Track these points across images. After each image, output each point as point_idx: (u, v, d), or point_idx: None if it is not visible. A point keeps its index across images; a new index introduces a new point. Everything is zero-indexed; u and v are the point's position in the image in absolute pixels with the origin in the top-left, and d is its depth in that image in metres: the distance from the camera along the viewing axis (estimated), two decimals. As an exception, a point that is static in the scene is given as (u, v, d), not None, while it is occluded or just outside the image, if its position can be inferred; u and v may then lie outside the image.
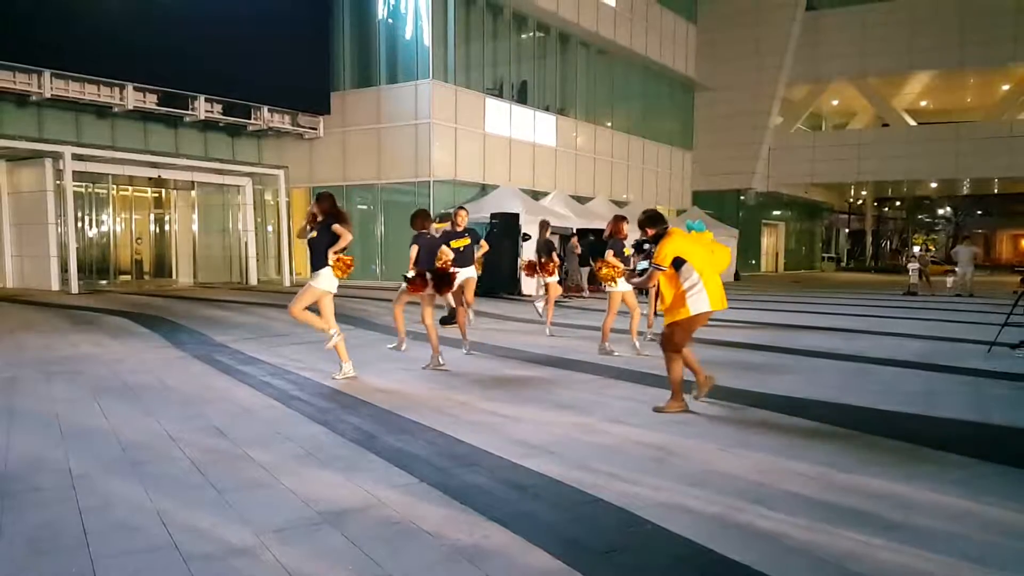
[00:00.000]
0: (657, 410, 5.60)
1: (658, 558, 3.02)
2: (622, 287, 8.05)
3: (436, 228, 9.94)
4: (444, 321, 10.58)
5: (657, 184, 31.70)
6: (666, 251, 5.55)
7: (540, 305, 11.17)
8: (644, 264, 5.88)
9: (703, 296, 5.52)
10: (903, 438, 4.88)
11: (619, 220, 8.50)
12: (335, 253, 6.59)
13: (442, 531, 3.23)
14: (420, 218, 7.84)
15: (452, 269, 7.77)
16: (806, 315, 14.04)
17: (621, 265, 7.80)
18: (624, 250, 8.27)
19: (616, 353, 8.40)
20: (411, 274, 7.44)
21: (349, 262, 6.72)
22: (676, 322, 5.59)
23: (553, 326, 10.60)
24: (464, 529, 3.26)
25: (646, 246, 5.84)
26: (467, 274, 8.89)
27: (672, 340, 5.62)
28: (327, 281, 6.67)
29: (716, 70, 34.29)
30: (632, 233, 7.81)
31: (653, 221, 5.80)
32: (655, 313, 10.06)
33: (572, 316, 13.22)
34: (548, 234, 11.87)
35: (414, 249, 7.61)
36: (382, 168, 21.82)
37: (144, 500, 3.58)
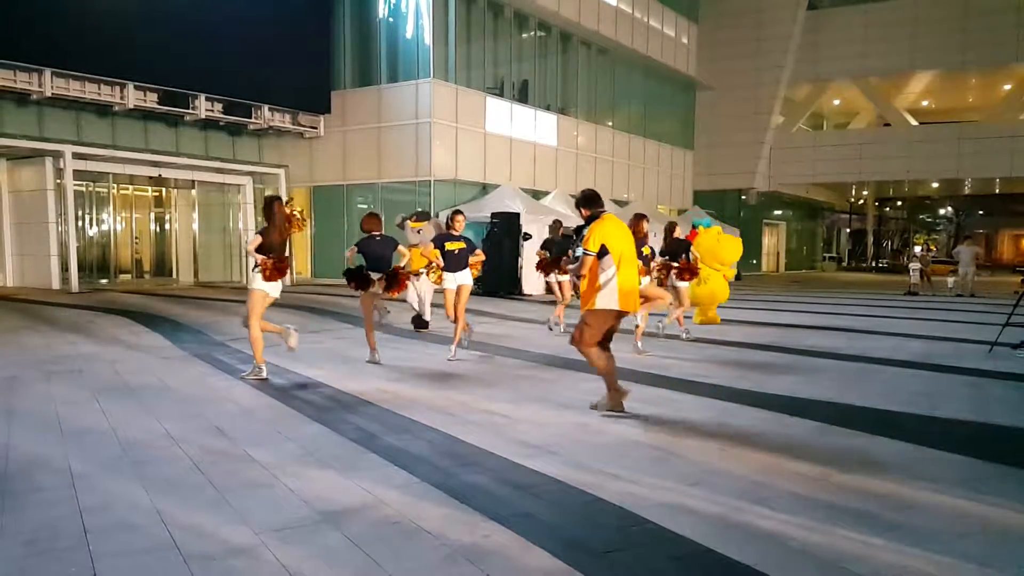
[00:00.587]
0: (594, 407, 5.50)
1: (658, 558, 3.01)
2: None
3: (412, 227, 9.80)
4: (416, 323, 10.44)
5: (658, 184, 31.69)
6: (595, 236, 5.29)
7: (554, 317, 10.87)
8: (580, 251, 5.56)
9: (613, 294, 5.28)
10: (904, 438, 4.87)
11: (639, 219, 8.45)
12: (259, 257, 6.46)
13: (442, 531, 3.22)
14: (368, 220, 7.98)
15: (443, 272, 8.11)
16: (807, 315, 14.03)
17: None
18: (643, 249, 8.26)
19: (648, 353, 8.38)
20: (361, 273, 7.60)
21: (269, 265, 6.48)
22: (585, 316, 5.39)
23: (557, 326, 10.60)
24: (464, 529, 3.25)
25: (585, 231, 5.60)
26: (461, 280, 8.20)
27: (581, 336, 5.39)
28: (258, 283, 6.58)
29: (717, 70, 34.28)
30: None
31: (588, 202, 5.51)
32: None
33: (573, 316, 13.19)
34: (560, 234, 11.35)
35: (352, 251, 7.72)
36: (382, 167, 21.81)
37: (144, 500, 3.58)
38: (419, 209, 10.94)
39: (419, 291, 10.08)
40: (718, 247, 10.48)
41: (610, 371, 5.39)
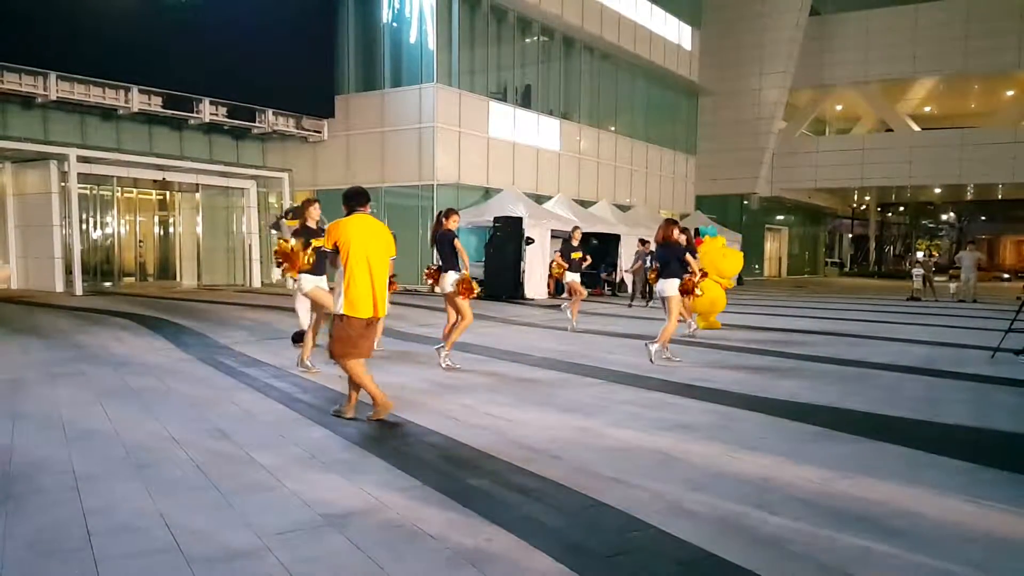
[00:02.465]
0: (336, 413, 5.39)
1: (661, 562, 3.02)
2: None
3: (289, 226, 8.56)
4: (295, 339, 8.98)
5: (660, 189, 31.71)
6: (331, 234, 5.18)
7: (567, 309, 11.49)
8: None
9: (340, 298, 5.14)
10: (906, 443, 4.87)
11: (670, 224, 8.45)
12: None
13: (445, 534, 3.23)
14: (306, 205, 8.05)
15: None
16: (809, 320, 14.02)
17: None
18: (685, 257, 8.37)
19: (678, 359, 8.31)
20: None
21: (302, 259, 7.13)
22: (334, 323, 5.25)
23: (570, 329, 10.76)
24: (467, 532, 3.26)
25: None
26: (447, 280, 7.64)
27: (330, 345, 5.26)
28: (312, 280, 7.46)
29: (720, 75, 34.30)
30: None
31: (345, 198, 5.39)
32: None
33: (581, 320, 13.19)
34: (578, 240, 11.81)
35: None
36: (386, 171, 21.86)
37: (147, 502, 3.59)
38: (295, 204, 9.48)
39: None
40: (722, 260, 10.53)
41: (371, 386, 5.25)
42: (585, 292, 11.85)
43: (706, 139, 35.15)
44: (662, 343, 8.21)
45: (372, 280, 5.17)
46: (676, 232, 8.42)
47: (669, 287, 8.28)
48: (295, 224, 8.27)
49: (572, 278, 11.61)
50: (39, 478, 3.95)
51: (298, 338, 8.84)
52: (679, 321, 8.36)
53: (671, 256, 8.33)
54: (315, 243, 7.19)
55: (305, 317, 8.34)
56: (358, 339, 5.18)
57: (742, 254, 11.44)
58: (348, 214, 5.29)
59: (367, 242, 5.17)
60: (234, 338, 9.74)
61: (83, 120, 18.79)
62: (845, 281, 38.29)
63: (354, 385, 5.34)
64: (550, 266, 21.03)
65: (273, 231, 9.47)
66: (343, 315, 5.12)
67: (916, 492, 3.88)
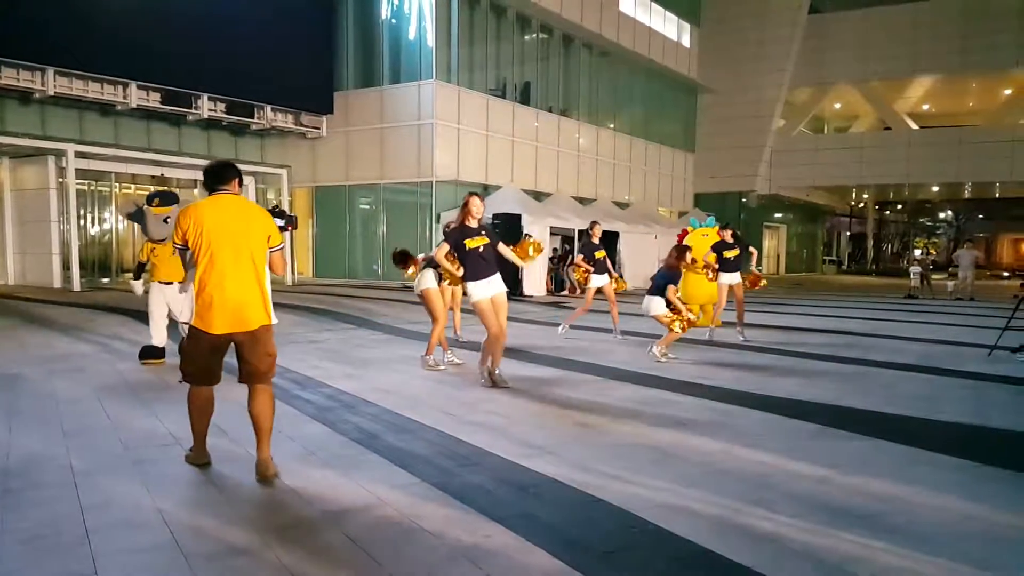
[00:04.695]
0: (188, 460, 4.19)
1: (659, 559, 3.02)
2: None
3: (155, 213, 7.16)
4: (143, 354, 7.52)
5: (659, 186, 31.72)
6: (180, 224, 3.89)
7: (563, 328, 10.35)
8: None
9: (191, 303, 3.94)
10: (904, 441, 4.87)
11: (683, 252, 8.50)
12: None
13: (443, 531, 3.23)
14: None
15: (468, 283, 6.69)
16: (807, 317, 14.03)
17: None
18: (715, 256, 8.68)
19: (675, 357, 8.30)
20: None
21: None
22: (187, 333, 4.07)
23: (574, 329, 10.38)
24: (465, 529, 3.26)
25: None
26: (497, 289, 6.68)
27: (181, 363, 4.13)
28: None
29: (719, 73, 34.29)
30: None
31: (206, 176, 4.04)
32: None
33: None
34: (597, 237, 10.44)
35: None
36: (385, 168, 21.84)
37: (145, 498, 3.59)
38: (161, 188, 6.85)
39: (169, 305, 7.46)
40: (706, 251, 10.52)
41: (198, 425, 4.10)
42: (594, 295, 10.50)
43: (705, 136, 35.16)
44: (665, 345, 8.25)
45: (231, 281, 3.85)
46: (688, 259, 8.52)
47: (654, 306, 8.33)
48: (166, 211, 7.05)
49: (600, 282, 10.27)
50: (37, 474, 3.95)
51: (149, 354, 7.38)
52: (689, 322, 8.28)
53: (666, 280, 8.33)
54: (469, 244, 6.48)
55: (161, 327, 7.33)
56: (206, 360, 3.97)
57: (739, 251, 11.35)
58: (208, 195, 4.03)
59: (221, 229, 3.85)
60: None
61: (81, 116, 18.75)
62: (843, 279, 38.31)
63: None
64: (559, 268, 21.06)
65: (131, 220, 7.64)
66: (192, 327, 3.93)
67: (914, 489, 3.89)
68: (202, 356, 3.97)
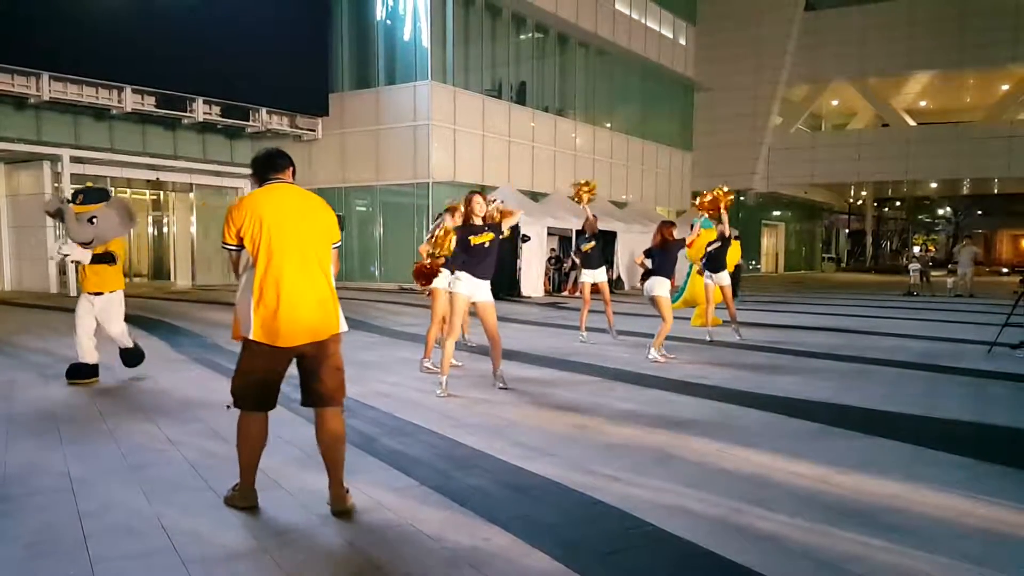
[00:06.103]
0: (228, 502, 3.58)
1: (658, 560, 3.01)
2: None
3: (77, 212, 6.35)
4: (71, 373, 6.67)
5: (656, 185, 31.71)
6: (232, 220, 3.39)
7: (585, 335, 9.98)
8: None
9: (248, 314, 3.35)
10: (903, 439, 4.87)
11: (668, 226, 8.39)
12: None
13: (442, 534, 3.22)
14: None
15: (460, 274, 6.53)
16: (806, 315, 14.03)
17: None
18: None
19: (673, 356, 8.30)
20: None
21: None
22: (242, 350, 3.49)
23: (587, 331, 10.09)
24: (464, 532, 3.25)
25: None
26: (483, 294, 6.50)
27: (233, 385, 3.54)
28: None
29: (715, 71, 34.31)
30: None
31: (256, 165, 3.57)
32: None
33: (573, 317, 13.19)
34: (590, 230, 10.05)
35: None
36: (381, 170, 21.81)
37: (143, 504, 3.57)
38: (90, 185, 6.01)
39: (99, 318, 6.81)
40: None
41: (249, 459, 3.55)
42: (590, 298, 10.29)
43: (702, 135, 35.17)
44: (656, 345, 8.19)
45: (299, 283, 3.37)
46: (675, 232, 8.39)
47: (658, 286, 8.20)
48: (90, 209, 6.24)
49: (589, 277, 10.11)
50: (34, 480, 3.93)
51: (77, 373, 6.56)
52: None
53: (667, 256, 8.29)
54: (474, 240, 6.24)
55: (88, 344, 6.62)
56: (262, 378, 3.47)
57: (738, 243, 11.32)
58: (259, 186, 3.52)
59: (293, 226, 3.39)
60: (229, 338, 9.69)
61: (76, 120, 18.71)
62: (842, 276, 38.35)
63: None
64: (558, 268, 21.07)
65: (55, 219, 6.83)
66: (249, 340, 3.38)
67: (914, 487, 3.88)
68: (261, 375, 3.43)
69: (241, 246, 3.39)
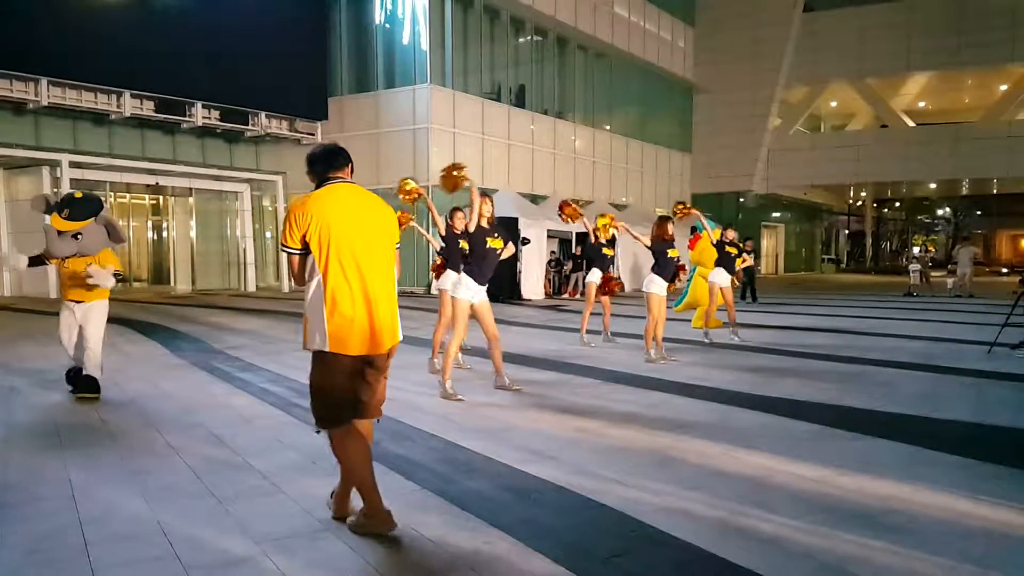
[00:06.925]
0: (356, 530, 3.31)
1: (660, 563, 3.01)
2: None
3: (56, 226, 5.88)
4: (74, 379, 6.28)
5: (656, 187, 31.72)
6: (293, 222, 3.18)
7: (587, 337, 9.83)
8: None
9: (320, 323, 3.14)
10: (904, 440, 4.87)
11: (665, 222, 8.40)
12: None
13: (443, 538, 3.22)
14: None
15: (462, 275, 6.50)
16: (806, 317, 14.03)
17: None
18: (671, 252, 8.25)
19: (673, 359, 8.31)
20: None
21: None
22: (314, 364, 3.25)
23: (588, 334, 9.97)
24: (465, 535, 3.24)
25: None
26: (481, 295, 6.49)
27: (312, 407, 3.31)
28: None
29: (714, 73, 34.34)
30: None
31: (313, 162, 3.33)
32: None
33: (573, 320, 13.18)
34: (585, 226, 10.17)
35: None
36: (380, 173, 21.78)
37: (144, 510, 3.57)
38: (79, 193, 5.89)
39: (84, 328, 6.18)
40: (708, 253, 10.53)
41: (364, 474, 3.30)
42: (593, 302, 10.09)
43: (701, 137, 35.18)
44: (647, 345, 8.23)
45: (370, 289, 3.19)
46: (670, 228, 8.39)
47: (649, 283, 8.33)
48: (75, 227, 5.82)
49: (595, 278, 10.06)
50: (35, 486, 3.93)
51: (85, 384, 6.09)
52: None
53: (659, 254, 8.30)
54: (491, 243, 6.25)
55: (70, 343, 6.23)
56: (343, 390, 3.22)
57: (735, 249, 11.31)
58: (318, 186, 3.28)
59: (359, 228, 3.21)
60: (229, 343, 9.70)
61: (75, 125, 18.71)
62: (842, 278, 38.34)
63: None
64: (559, 270, 21.07)
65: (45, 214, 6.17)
66: (324, 352, 3.16)
67: (915, 488, 3.88)
68: (343, 385, 3.20)
69: (305, 250, 3.19)
